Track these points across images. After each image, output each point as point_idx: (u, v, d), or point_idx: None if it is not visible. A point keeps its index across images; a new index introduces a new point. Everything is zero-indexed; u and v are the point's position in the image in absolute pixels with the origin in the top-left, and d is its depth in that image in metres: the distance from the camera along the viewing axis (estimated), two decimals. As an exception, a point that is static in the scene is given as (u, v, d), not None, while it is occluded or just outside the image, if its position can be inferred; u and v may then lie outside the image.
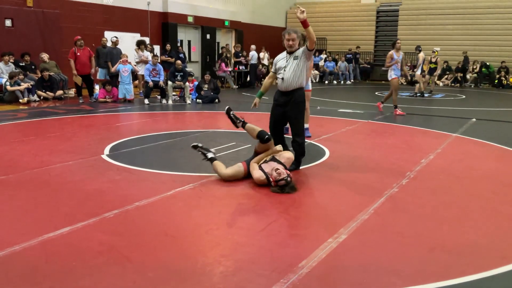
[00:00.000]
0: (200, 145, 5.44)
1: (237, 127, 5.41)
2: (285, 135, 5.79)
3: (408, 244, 3.43)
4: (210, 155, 5.31)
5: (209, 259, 3.14)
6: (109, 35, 15.04)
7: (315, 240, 3.45)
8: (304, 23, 5.01)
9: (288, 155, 5.07)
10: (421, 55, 15.19)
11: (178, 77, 12.83)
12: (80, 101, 12.19)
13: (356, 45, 22.97)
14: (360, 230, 3.68)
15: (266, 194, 4.61)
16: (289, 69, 5.31)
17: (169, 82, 12.74)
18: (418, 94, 15.34)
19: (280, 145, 5.20)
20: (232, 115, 5.36)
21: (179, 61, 13.10)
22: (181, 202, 4.36)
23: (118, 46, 13.31)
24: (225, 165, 5.15)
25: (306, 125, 7.09)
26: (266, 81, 5.75)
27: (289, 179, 4.63)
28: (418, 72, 15.38)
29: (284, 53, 5.51)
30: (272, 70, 5.64)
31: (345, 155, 6.40)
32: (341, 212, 4.12)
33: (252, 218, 3.99)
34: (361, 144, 7.24)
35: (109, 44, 13.48)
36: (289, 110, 5.39)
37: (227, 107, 5.46)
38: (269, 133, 5.18)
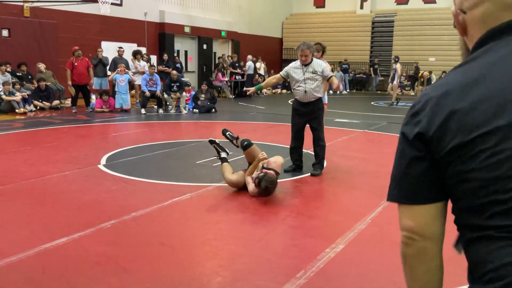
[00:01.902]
0: (217, 141, 5.55)
1: (237, 146, 5.57)
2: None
3: (405, 254, 3.43)
4: (223, 154, 5.40)
5: (206, 269, 3.13)
6: (106, 45, 15.09)
7: (313, 250, 3.45)
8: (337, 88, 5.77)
9: (274, 159, 5.06)
10: (398, 65, 15.32)
11: (174, 88, 12.79)
12: (73, 111, 12.18)
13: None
14: (358, 240, 3.68)
15: (264, 204, 4.60)
16: (310, 82, 5.61)
17: (165, 95, 12.72)
18: (394, 103, 15.50)
19: (263, 153, 5.15)
20: (228, 135, 5.59)
21: (174, 72, 13.07)
22: (178, 212, 4.35)
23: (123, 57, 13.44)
24: (233, 171, 5.15)
25: None
26: (270, 80, 6.14)
27: (261, 174, 4.62)
28: (395, 82, 15.45)
29: (298, 63, 5.73)
30: (282, 74, 5.86)
31: (342, 164, 6.41)
32: (338, 222, 4.12)
33: (249, 228, 3.99)
34: (357, 153, 7.26)
35: (112, 54, 13.58)
36: (311, 119, 5.75)
37: (222, 129, 5.77)
38: (248, 140, 5.28)
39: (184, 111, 12.57)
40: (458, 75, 1.04)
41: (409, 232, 1.08)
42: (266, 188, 4.57)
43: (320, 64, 5.68)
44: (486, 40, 1.03)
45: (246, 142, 5.22)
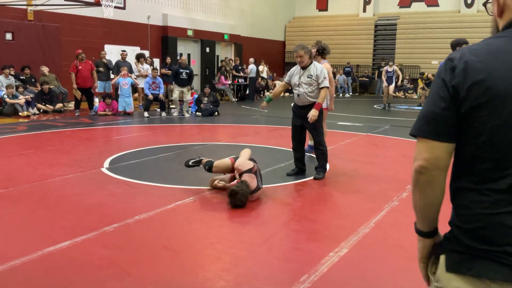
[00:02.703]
0: (190, 163, 5.32)
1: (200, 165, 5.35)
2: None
3: (409, 258, 3.41)
4: (203, 160, 5.29)
5: (209, 273, 3.12)
6: (109, 49, 15.13)
7: (317, 254, 3.43)
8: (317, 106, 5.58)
9: (239, 162, 4.89)
10: (397, 68, 15.21)
11: (183, 75, 11.92)
12: (77, 114, 12.20)
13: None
14: (361, 244, 3.67)
15: (267, 207, 4.60)
16: (304, 86, 5.62)
17: (174, 93, 12.23)
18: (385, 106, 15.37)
19: (218, 181, 5.06)
20: (191, 164, 5.32)
21: (184, 57, 12.49)
22: (181, 215, 4.34)
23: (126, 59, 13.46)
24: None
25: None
26: (277, 89, 6.30)
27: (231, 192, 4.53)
28: (392, 85, 15.20)
29: (298, 67, 5.75)
30: (286, 80, 5.95)
31: (345, 168, 6.39)
32: (342, 226, 4.11)
33: (253, 232, 3.97)
34: (361, 157, 7.24)
35: (115, 57, 13.59)
36: (306, 123, 5.69)
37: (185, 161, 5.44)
38: (208, 162, 5.14)
39: (187, 115, 12.52)
40: (488, 46, 1.28)
41: (426, 162, 1.29)
42: (231, 203, 4.51)
43: (316, 69, 5.62)
44: None
45: (207, 166, 5.13)
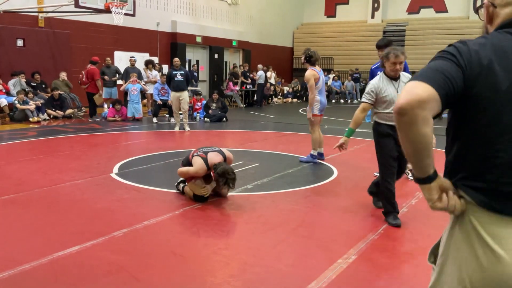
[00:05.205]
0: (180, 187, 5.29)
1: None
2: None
3: (418, 264, 3.40)
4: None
5: (217, 279, 3.12)
6: (118, 55, 15.24)
7: (325, 261, 3.42)
8: None
9: (196, 171, 4.86)
10: None
11: (178, 76, 10.60)
12: (98, 119, 12.55)
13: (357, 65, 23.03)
14: (370, 250, 3.65)
15: (275, 214, 4.60)
16: None
17: (172, 103, 11.04)
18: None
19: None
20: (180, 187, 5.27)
21: (176, 59, 11.33)
22: (189, 221, 4.36)
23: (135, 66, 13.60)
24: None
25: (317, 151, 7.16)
26: (359, 115, 4.57)
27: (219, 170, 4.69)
28: None
29: (383, 79, 4.33)
30: (369, 99, 4.38)
31: (353, 174, 6.38)
32: (351, 232, 4.10)
33: (261, 238, 3.97)
34: (369, 163, 7.20)
35: (124, 64, 13.73)
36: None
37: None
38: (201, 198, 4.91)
39: (188, 128, 11.17)
40: (488, 41, 1.33)
41: (406, 102, 1.24)
42: (231, 183, 4.70)
43: (407, 76, 4.43)
44: (505, 25, 1.36)
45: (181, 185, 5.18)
